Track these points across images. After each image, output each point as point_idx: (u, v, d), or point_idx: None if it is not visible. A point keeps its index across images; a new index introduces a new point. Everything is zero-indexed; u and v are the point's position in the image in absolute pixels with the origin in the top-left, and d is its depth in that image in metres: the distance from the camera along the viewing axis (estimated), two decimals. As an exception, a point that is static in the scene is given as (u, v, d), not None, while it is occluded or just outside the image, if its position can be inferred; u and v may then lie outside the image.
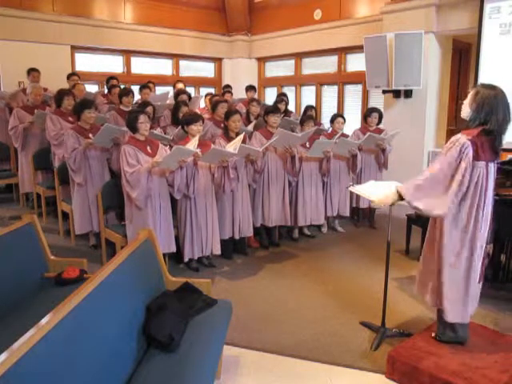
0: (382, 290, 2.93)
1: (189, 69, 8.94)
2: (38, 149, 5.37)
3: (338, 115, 5.26)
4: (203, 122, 3.98)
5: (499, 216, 2.93)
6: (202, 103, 7.03)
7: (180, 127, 4.25)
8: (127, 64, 8.09)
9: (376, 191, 2.73)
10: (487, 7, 5.36)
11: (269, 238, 4.85)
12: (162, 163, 3.51)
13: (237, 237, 4.34)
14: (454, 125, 6.63)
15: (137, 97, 6.05)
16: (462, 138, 2.39)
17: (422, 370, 2.41)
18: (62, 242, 4.72)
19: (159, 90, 7.12)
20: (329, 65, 8.04)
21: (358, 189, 2.90)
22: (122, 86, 6.30)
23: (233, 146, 3.78)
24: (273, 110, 4.58)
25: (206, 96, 6.80)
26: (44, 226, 4.28)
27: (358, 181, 5.14)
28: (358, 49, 6.82)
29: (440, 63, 6.22)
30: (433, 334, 2.70)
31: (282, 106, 5.45)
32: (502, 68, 5.34)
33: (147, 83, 6.25)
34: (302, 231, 5.19)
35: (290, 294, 3.69)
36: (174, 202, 3.93)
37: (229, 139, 4.08)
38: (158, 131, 4.55)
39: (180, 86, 6.97)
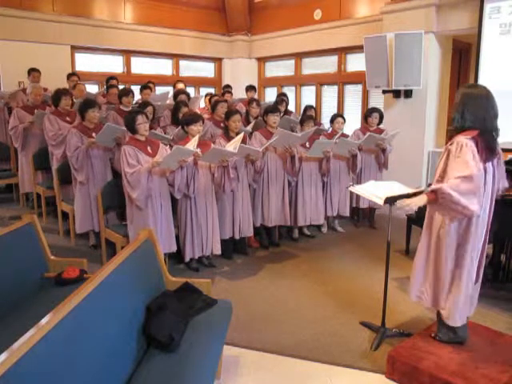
0: (382, 290, 2.93)
1: (189, 69, 8.94)
2: (38, 149, 5.37)
3: (338, 115, 5.26)
4: (203, 123, 3.98)
5: (499, 216, 2.93)
6: (202, 103, 7.03)
7: (180, 127, 4.25)
8: (127, 64, 8.09)
9: (377, 191, 2.73)
10: (487, 7, 5.36)
11: (269, 238, 4.85)
12: (162, 163, 3.51)
13: (237, 237, 4.34)
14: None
15: (137, 97, 6.05)
16: (463, 139, 2.37)
17: (422, 370, 2.41)
18: (61, 242, 4.72)
19: (159, 90, 7.12)
20: (329, 65, 8.04)
21: (357, 189, 2.90)
22: (122, 86, 6.30)
23: (232, 146, 3.78)
24: (272, 109, 4.58)
25: (205, 96, 6.80)
26: (44, 226, 4.28)
27: (358, 181, 5.14)
28: (358, 49, 6.82)
29: (440, 63, 6.22)
30: (432, 334, 2.70)
31: (282, 107, 5.45)
32: (502, 68, 5.34)
33: (147, 83, 6.26)
34: (301, 231, 5.19)
35: (290, 294, 3.69)
36: (174, 201, 3.93)
37: (229, 139, 4.08)
38: (158, 131, 4.56)
39: (180, 86, 6.97)
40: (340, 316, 3.30)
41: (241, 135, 3.88)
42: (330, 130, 5.33)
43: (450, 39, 6.28)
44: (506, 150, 5.05)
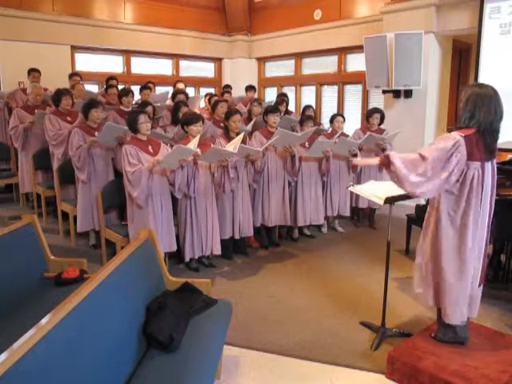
0: (382, 290, 2.93)
1: (189, 69, 8.93)
2: (38, 149, 5.37)
3: (338, 114, 5.26)
4: (203, 123, 3.98)
5: (499, 216, 2.93)
6: (202, 103, 7.03)
7: (180, 126, 4.25)
8: (127, 64, 8.09)
9: (377, 191, 2.73)
10: (487, 7, 5.36)
11: (269, 238, 4.85)
12: (162, 162, 3.51)
13: (237, 237, 4.34)
14: (454, 125, 6.62)
15: (137, 97, 6.05)
16: (456, 135, 2.37)
17: (422, 370, 2.41)
18: (61, 241, 4.72)
19: (159, 90, 7.12)
20: (329, 65, 8.04)
21: (357, 189, 2.90)
22: (122, 86, 6.30)
23: (232, 146, 3.79)
24: (273, 109, 4.58)
25: (205, 96, 6.80)
26: (44, 226, 4.29)
27: (358, 181, 5.14)
28: (357, 49, 6.82)
29: (440, 63, 6.21)
30: (432, 334, 2.70)
31: (282, 108, 5.46)
32: (502, 68, 5.33)
33: (147, 83, 6.25)
34: (301, 231, 5.19)
35: (290, 294, 3.69)
36: (174, 201, 3.93)
37: (229, 139, 4.08)
38: (158, 130, 4.56)
39: (180, 85, 6.97)
40: (340, 316, 3.30)
41: (241, 135, 3.88)
42: (330, 130, 5.33)
43: (450, 39, 6.28)
44: (506, 150, 5.09)
